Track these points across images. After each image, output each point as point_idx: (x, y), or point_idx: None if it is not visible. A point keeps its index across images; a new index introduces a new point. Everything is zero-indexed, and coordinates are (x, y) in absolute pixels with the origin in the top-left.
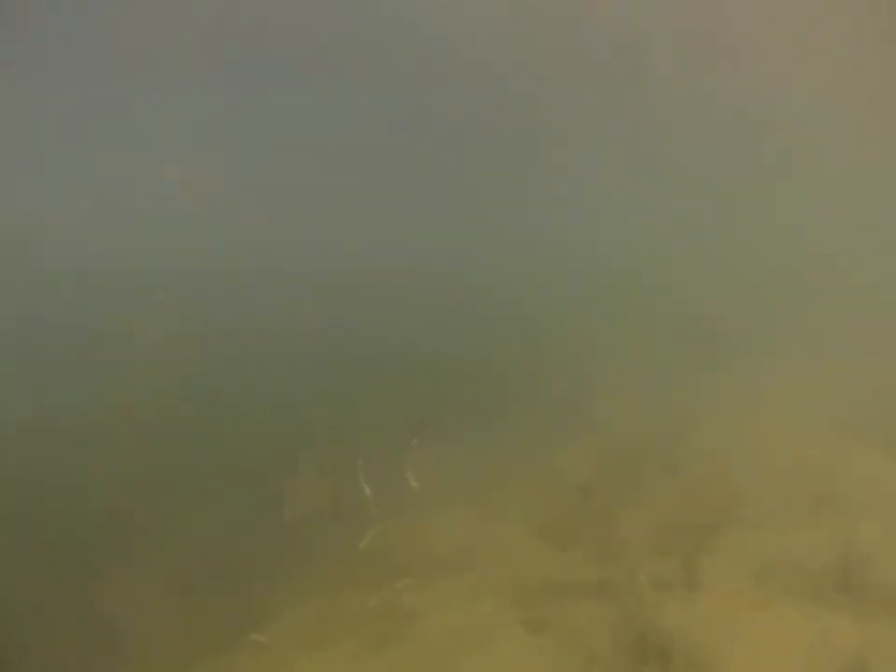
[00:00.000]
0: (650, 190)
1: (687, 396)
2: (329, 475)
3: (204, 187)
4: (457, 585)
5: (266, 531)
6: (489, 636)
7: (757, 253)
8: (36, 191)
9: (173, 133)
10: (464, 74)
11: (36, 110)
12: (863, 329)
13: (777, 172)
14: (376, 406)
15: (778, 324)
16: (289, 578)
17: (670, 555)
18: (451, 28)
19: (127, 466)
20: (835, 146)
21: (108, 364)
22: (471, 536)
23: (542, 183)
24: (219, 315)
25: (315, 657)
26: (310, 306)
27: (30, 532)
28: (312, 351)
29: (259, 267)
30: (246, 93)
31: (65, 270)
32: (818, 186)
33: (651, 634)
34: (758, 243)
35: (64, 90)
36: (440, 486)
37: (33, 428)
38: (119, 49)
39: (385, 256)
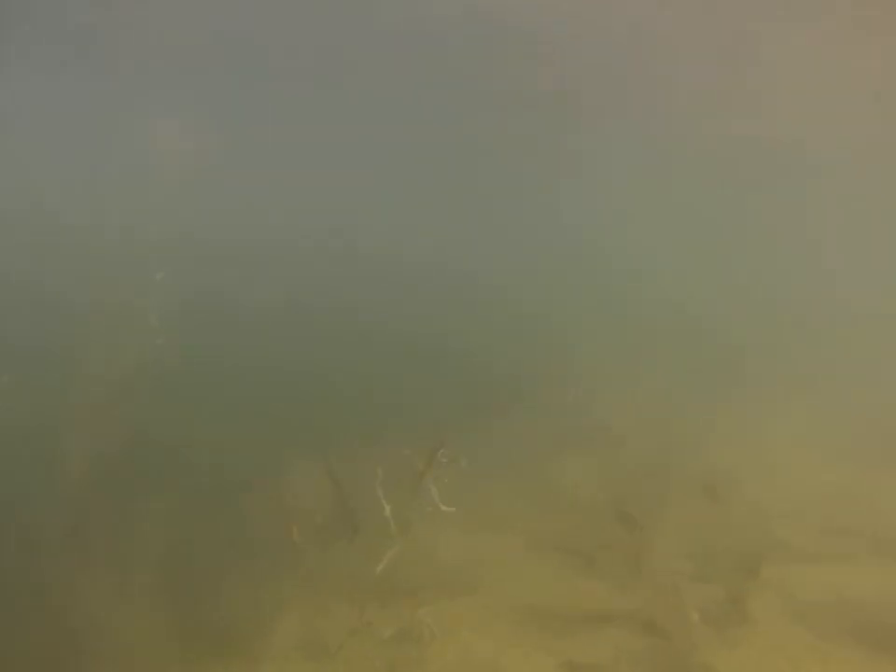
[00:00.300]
0: (668, 202)
1: (700, 410)
2: (344, 490)
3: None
4: (481, 612)
5: (272, 549)
6: (515, 668)
7: (776, 272)
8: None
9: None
10: (475, 71)
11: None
12: (881, 353)
13: (797, 188)
14: (398, 410)
15: (792, 342)
16: (297, 604)
17: (714, 586)
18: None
19: (109, 465)
20: (858, 178)
21: (93, 351)
22: (495, 558)
23: (555, 190)
24: (218, 300)
25: None
26: (322, 295)
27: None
28: (326, 346)
29: (267, 255)
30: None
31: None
32: (840, 206)
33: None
34: (777, 260)
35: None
36: (464, 503)
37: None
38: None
39: (405, 252)
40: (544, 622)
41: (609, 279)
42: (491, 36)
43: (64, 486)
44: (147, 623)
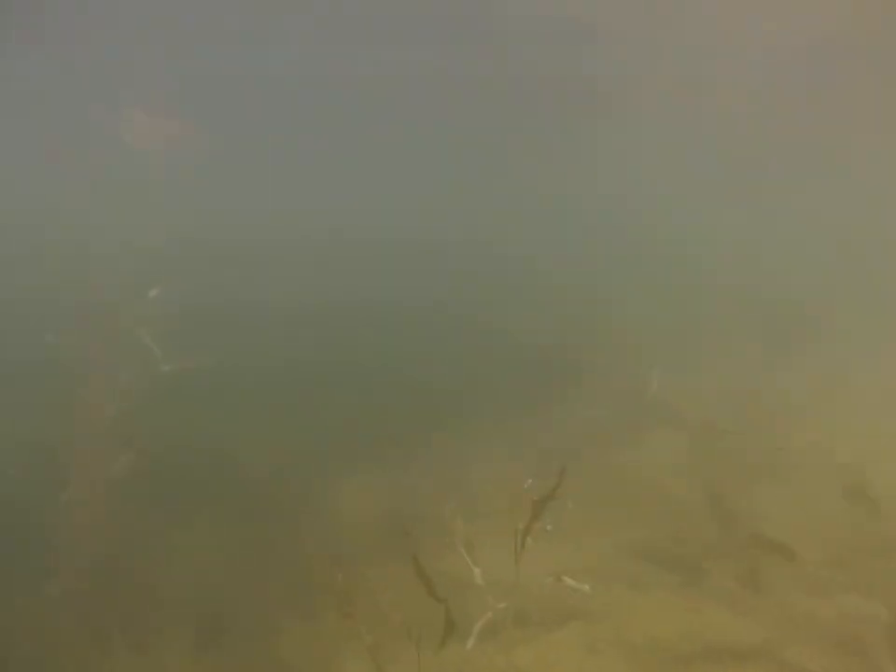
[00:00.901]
0: (722, 171)
1: (799, 385)
2: (425, 577)
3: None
4: (584, 656)
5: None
6: None
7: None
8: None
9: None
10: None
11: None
12: None
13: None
14: (473, 434)
15: (867, 307)
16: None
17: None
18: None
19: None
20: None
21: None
22: (603, 594)
23: (605, 164)
24: (247, 305)
25: None
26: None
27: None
28: (354, 352)
29: (288, 260)
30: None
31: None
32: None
33: None
34: (846, 217)
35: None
36: (565, 535)
37: None
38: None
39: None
40: (659, 660)
41: (670, 254)
42: (497, 31)
43: (80, 520)
44: None
